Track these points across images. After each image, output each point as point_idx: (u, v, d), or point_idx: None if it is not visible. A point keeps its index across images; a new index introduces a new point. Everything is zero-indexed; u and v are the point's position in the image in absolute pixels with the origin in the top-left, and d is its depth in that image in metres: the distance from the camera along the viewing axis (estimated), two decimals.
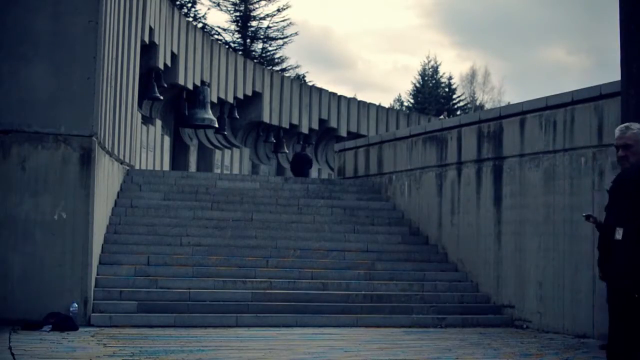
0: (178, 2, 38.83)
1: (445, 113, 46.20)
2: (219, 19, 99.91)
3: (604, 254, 6.06)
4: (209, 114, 24.69)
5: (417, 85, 62.97)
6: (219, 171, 25.97)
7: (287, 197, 16.93)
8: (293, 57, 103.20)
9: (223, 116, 27.31)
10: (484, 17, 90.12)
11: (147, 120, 21.92)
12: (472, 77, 64.92)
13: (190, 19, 36.00)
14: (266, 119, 29.81)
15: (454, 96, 62.51)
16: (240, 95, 28.11)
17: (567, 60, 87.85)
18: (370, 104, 35.05)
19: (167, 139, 23.88)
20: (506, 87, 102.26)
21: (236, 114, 27.97)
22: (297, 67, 51.15)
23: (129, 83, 15.98)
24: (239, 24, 45.28)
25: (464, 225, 14.73)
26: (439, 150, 15.60)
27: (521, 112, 13.41)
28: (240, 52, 39.52)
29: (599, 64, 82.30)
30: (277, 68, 45.08)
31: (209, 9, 57.81)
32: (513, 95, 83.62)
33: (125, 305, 12.10)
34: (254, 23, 45.62)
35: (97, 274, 12.54)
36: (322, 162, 33.36)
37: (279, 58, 47.13)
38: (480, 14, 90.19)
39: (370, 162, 18.50)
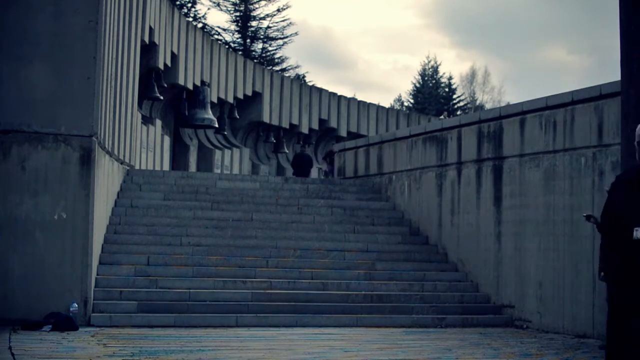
0: (178, 2, 38.82)
1: (446, 113, 46.19)
2: (219, 19, 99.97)
3: (614, 254, 5.93)
4: (209, 114, 24.69)
5: (417, 85, 62.97)
6: (219, 171, 25.98)
7: (287, 197, 16.94)
8: (293, 57, 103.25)
9: (223, 116, 27.32)
10: (484, 17, 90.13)
11: (147, 120, 21.92)
12: (472, 77, 64.96)
13: (190, 19, 36.00)
14: (266, 119, 29.81)
15: (454, 96, 62.51)
16: (240, 95, 28.12)
17: (567, 59, 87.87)
18: (370, 104, 35.05)
19: (167, 139, 23.88)
20: (506, 87, 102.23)
21: (236, 114, 27.97)
22: (297, 67, 51.23)
23: (129, 83, 15.98)
24: (239, 24, 45.29)
25: (464, 225, 14.73)
26: (439, 150, 15.60)
27: (521, 112, 13.41)
28: (240, 52, 39.53)
29: (599, 64, 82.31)
30: (277, 68, 45.09)
31: (209, 9, 57.93)
32: (513, 95, 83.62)
33: (125, 305, 12.10)
34: (254, 23, 45.65)
35: (97, 274, 12.54)
36: (322, 161, 33.36)
37: (279, 58, 47.16)
38: (480, 13, 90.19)
39: (370, 162, 18.50)
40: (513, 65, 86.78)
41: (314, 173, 30.35)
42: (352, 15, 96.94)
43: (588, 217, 6.63)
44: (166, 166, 23.39)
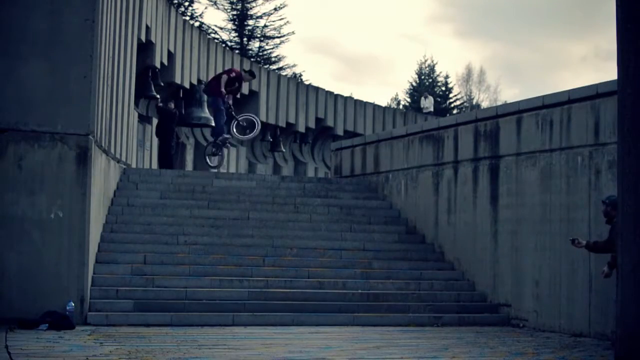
0: (175, 1, 38.79)
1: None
2: (216, 18, 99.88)
3: None
4: (206, 113, 24.65)
5: (414, 84, 62.97)
6: (215, 170, 25.94)
7: (283, 196, 16.93)
8: (290, 55, 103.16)
9: None
10: (484, 16, 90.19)
11: (143, 119, 21.92)
12: (468, 75, 65.01)
13: (187, 18, 35.97)
14: (263, 118, 29.75)
15: (451, 95, 62.52)
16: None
17: (566, 58, 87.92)
18: (366, 102, 35.02)
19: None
20: (503, 83, 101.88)
21: (232, 113, 27.90)
22: (293, 65, 51.15)
23: (126, 81, 15.97)
24: (236, 23, 45.26)
25: (460, 224, 14.74)
26: (436, 149, 15.61)
27: (518, 111, 13.42)
28: (237, 51, 39.50)
29: (599, 62, 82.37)
30: (273, 67, 45.06)
31: (205, 7, 57.77)
32: (510, 92, 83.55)
33: (122, 304, 12.10)
34: (250, 22, 45.60)
35: (94, 273, 12.54)
36: (319, 160, 33.36)
37: (275, 57, 47.13)
38: (480, 12, 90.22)
39: (366, 161, 18.50)
40: (513, 61, 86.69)
41: (310, 172, 30.34)
42: (351, 13, 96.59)
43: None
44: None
